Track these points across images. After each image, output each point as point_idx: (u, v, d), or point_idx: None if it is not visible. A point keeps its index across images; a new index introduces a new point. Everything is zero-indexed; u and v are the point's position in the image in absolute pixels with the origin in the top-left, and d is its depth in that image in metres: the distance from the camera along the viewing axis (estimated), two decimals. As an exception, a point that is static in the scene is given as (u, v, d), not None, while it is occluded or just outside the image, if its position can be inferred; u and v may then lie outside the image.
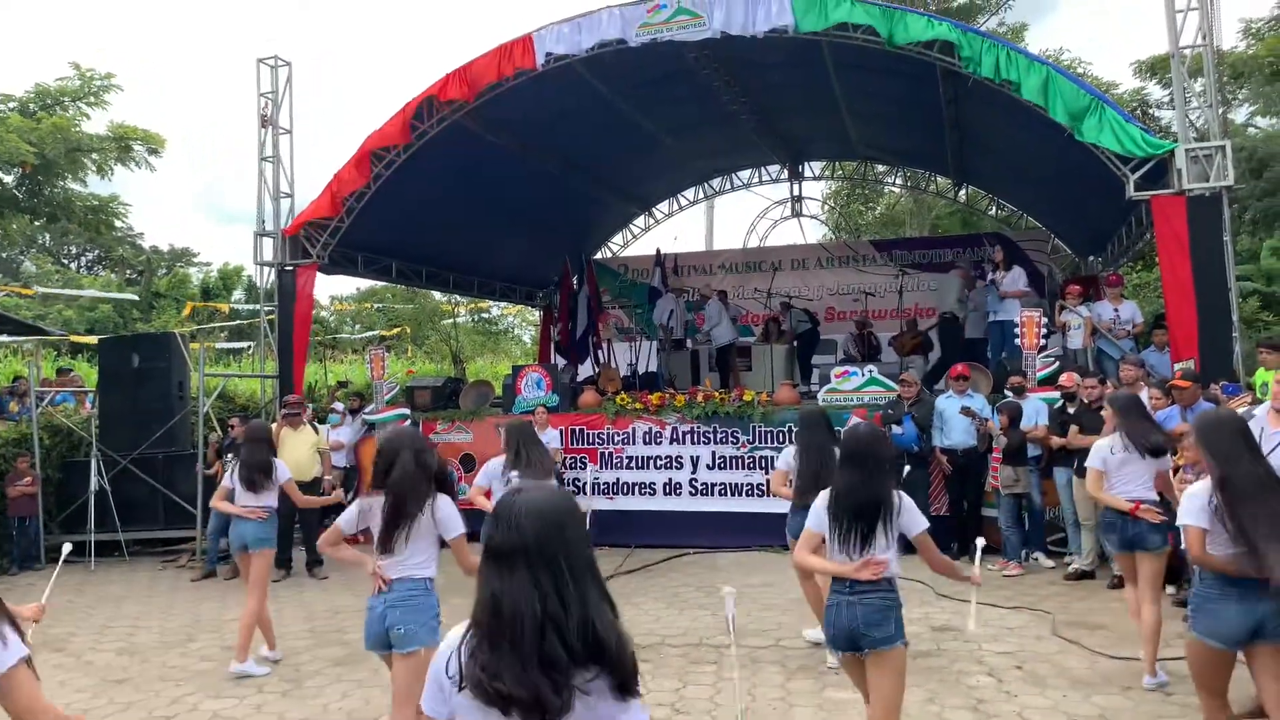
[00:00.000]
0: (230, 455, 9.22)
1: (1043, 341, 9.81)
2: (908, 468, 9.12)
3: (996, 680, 5.72)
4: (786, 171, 18.28)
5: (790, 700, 5.47)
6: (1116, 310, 10.71)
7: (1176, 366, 8.44)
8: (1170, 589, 6.77)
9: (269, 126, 12.69)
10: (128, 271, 36.94)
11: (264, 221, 12.57)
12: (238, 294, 35.77)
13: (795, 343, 14.57)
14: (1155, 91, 21.65)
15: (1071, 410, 8.52)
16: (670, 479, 10.73)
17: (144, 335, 16.22)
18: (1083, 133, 9.11)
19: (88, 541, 10.42)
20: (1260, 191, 16.15)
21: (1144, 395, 8.19)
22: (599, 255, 19.34)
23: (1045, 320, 9.95)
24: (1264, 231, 18.48)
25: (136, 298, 27.15)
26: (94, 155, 18.20)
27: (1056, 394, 8.92)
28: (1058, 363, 10.02)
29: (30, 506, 10.49)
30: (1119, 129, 9.04)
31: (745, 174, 18.77)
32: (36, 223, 21.95)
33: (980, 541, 4.84)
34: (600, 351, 15.72)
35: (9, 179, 17.30)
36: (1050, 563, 8.81)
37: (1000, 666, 5.97)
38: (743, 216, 25.23)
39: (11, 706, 2.40)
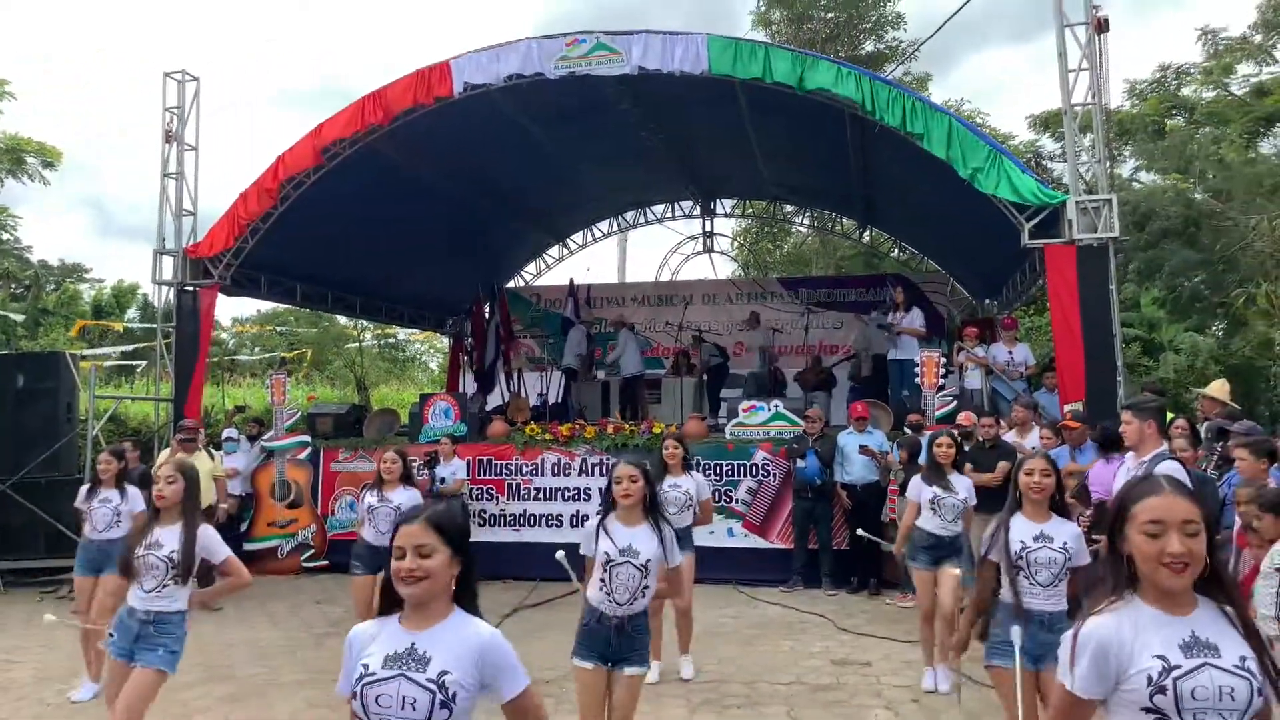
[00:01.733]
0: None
1: (941, 381, 10.15)
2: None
3: (894, 713, 5.84)
4: (699, 208, 18.57)
5: (693, 734, 5.49)
6: (1010, 352, 11.14)
7: (1066, 408, 8.82)
8: None
9: (173, 142, 12.34)
10: (13, 286, 35.23)
11: (164, 239, 12.19)
12: (131, 313, 34.44)
13: (705, 376, 14.73)
14: (1048, 144, 22.71)
15: (968, 448, 8.80)
16: (578, 510, 10.70)
17: (29, 354, 15.50)
18: (981, 183, 9.50)
19: (-41, 570, 9.86)
20: (1143, 243, 17.04)
21: (1035, 435, 8.55)
22: (511, 284, 19.26)
23: (944, 360, 10.30)
24: (1146, 281, 19.49)
25: (22, 316, 25.89)
26: (-18, 165, 17.43)
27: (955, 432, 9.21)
28: (955, 402, 10.36)
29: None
30: (1016, 179, 9.46)
31: (659, 208, 19.00)
32: (-85, 232, 20.86)
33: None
34: (511, 381, 15.64)
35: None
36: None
37: (898, 700, 6.10)
38: (656, 250, 25.54)
39: None
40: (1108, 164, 11.37)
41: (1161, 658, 2.03)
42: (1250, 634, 2.08)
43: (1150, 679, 2.02)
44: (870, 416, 10.04)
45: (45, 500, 10.43)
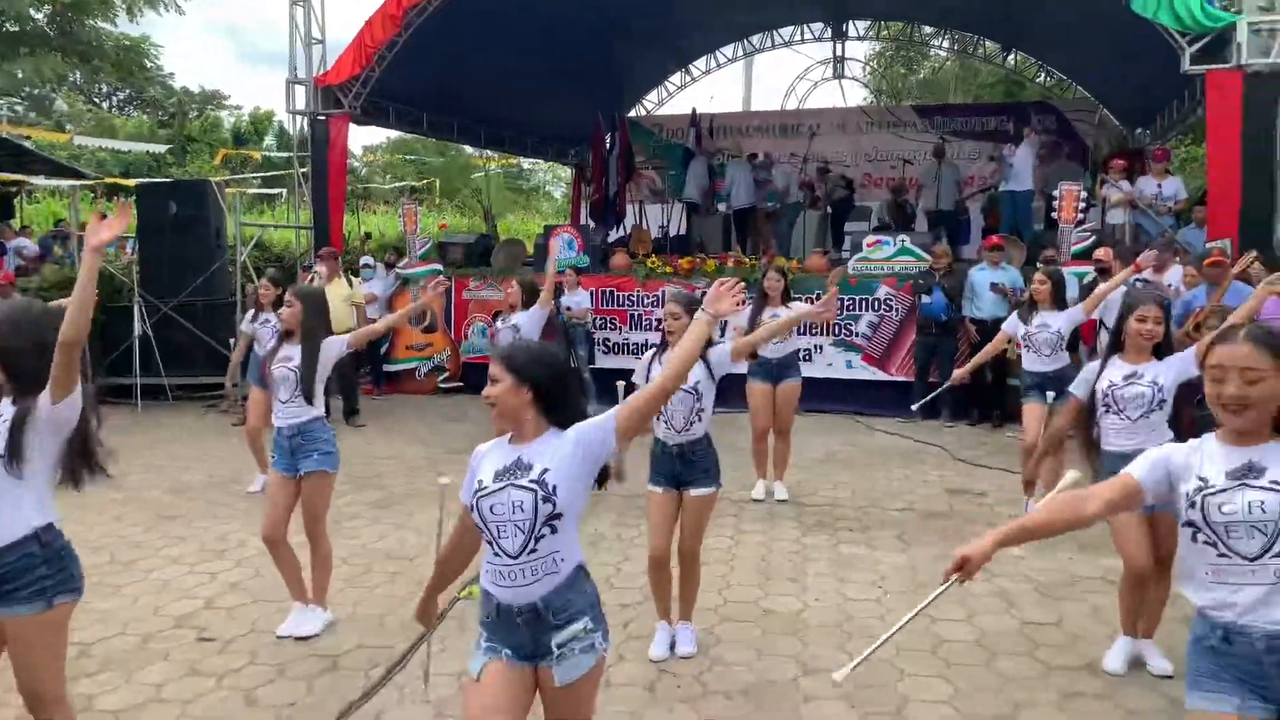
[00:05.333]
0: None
1: (1081, 215, 9.69)
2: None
3: (1005, 544, 5.93)
4: (830, 30, 17.68)
5: (805, 554, 5.75)
6: (1160, 185, 10.51)
7: (1210, 244, 8.35)
8: None
9: (299, -32, 12.37)
10: (159, 113, 36.68)
11: (296, 69, 12.42)
12: (269, 139, 35.53)
13: (829, 209, 14.43)
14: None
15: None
16: (698, 341, 10.86)
17: (181, 181, 16.19)
18: (1137, 5, 8.73)
19: (134, 385, 10.82)
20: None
21: (1177, 272, 8.17)
22: (633, 113, 18.97)
23: (1085, 194, 9.81)
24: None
25: (169, 145, 27.08)
26: (123, -5, 17.92)
27: (1090, 269, 8.87)
28: (1094, 237, 9.92)
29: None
30: (1178, 1, 8.66)
31: (787, 31, 18.17)
32: (68, 61, 21.78)
33: None
34: (629, 214, 15.64)
35: (40, 16, 17.11)
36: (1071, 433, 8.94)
37: (1010, 531, 6.18)
38: (781, 78, 24.59)
39: None
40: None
41: (1202, 479, 2.26)
42: None
43: (1187, 495, 2.27)
44: (1004, 250, 9.72)
45: (204, 322, 11.18)
